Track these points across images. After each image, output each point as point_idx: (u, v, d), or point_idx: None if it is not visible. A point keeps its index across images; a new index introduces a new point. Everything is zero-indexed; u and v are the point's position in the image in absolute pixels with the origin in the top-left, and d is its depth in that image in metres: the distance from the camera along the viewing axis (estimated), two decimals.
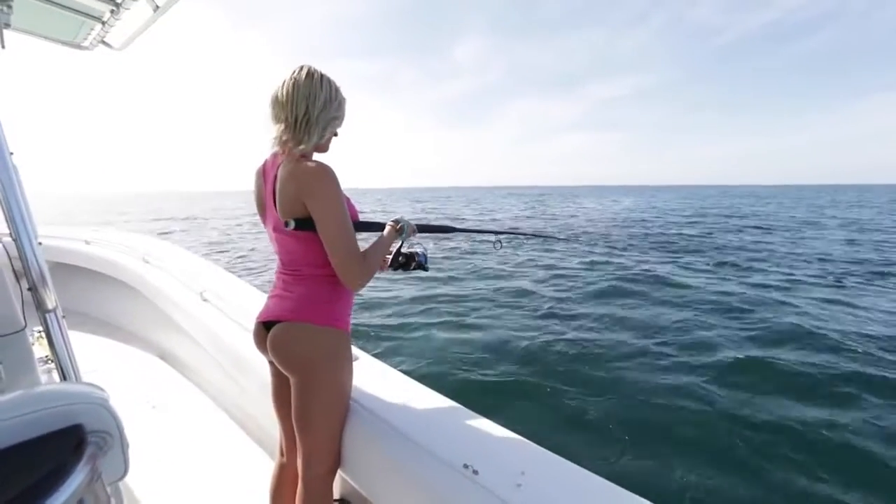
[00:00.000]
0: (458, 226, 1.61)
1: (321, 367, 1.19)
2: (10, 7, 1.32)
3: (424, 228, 1.47)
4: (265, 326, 1.25)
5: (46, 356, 1.99)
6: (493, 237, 1.77)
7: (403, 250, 1.40)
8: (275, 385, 1.35)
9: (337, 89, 1.18)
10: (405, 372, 1.49)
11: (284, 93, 1.12)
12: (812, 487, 2.56)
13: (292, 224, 1.14)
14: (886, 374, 3.87)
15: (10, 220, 1.05)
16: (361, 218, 1.32)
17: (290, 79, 1.13)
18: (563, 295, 6.82)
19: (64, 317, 1.17)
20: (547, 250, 10.27)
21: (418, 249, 1.43)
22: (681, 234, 15.78)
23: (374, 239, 1.31)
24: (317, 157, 1.22)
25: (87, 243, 3.69)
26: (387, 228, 1.34)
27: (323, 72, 1.15)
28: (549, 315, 5.79)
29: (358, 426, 1.22)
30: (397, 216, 1.37)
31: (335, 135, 1.24)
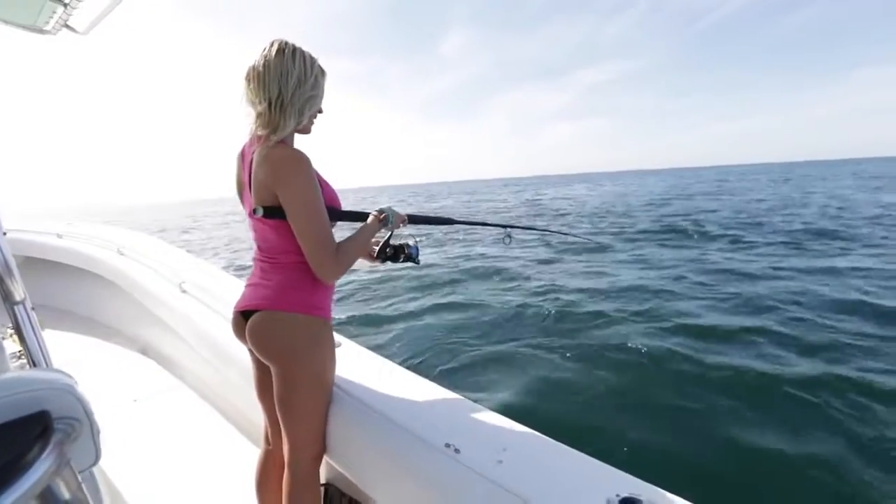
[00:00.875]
0: (457, 218, 1.52)
1: (302, 356, 1.18)
2: None
3: (417, 219, 1.42)
4: (243, 315, 1.23)
5: (19, 351, 1.94)
6: (500, 231, 1.63)
7: (392, 242, 1.36)
8: (257, 374, 1.34)
9: (312, 63, 1.11)
10: (389, 357, 1.50)
11: (255, 74, 1.07)
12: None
13: (260, 211, 1.12)
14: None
15: None
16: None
17: (261, 58, 1.07)
18: (551, 282, 6.90)
19: (33, 309, 1.14)
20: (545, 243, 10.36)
21: (409, 242, 1.38)
22: (675, 215, 15.82)
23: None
24: (298, 139, 1.19)
25: (60, 237, 3.58)
26: (370, 218, 1.29)
27: (297, 45, 1.09)
28: (538, 293, 5.89)
29: (341, 411, 1.23)
30: (385, 206, 1.32)
31: (320, 111, 1.19)
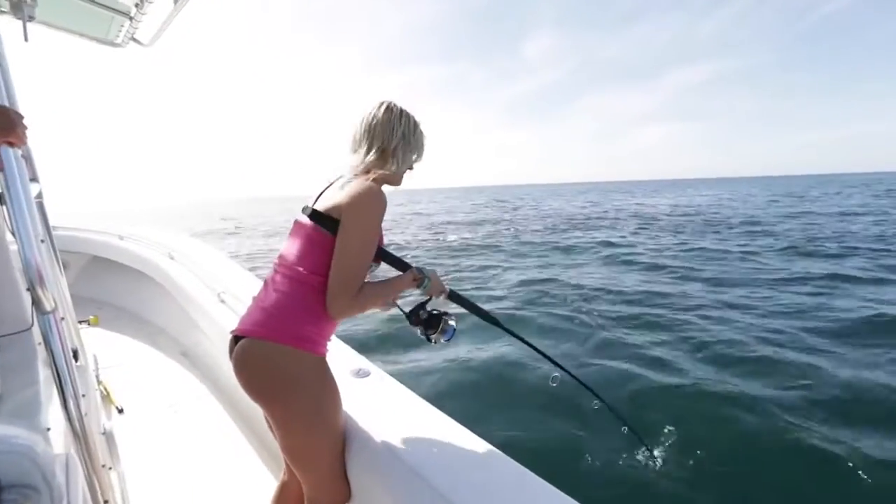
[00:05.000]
0: (504, 324, 1.35)
1: (287, 395, 1.04)
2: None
3: (457, 299, 1.28)
4: (236, 340, 1.09)
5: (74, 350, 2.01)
6: (553, 367, 1.38)
7: (429, 307, 1.20)
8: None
9: (416, 124, 1.17)
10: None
11: (365, 123, 1.14)
12: None
13: (308, 210, 1.08)
14: None
15: (11, 214, 1.00)
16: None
17: (371, 113, 1.14)
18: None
19: (63, 319, 1.11)
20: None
21: (451, 320, 1.19)
22: None
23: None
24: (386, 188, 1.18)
25: (122, 238, 3.78)
26: (406, 273, 1.17)
27: (402, 107, 1.16)
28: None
29: (366, 457, 1.12)
30: (428, 269, 1.19)
31: (410, 168, 1.22)
